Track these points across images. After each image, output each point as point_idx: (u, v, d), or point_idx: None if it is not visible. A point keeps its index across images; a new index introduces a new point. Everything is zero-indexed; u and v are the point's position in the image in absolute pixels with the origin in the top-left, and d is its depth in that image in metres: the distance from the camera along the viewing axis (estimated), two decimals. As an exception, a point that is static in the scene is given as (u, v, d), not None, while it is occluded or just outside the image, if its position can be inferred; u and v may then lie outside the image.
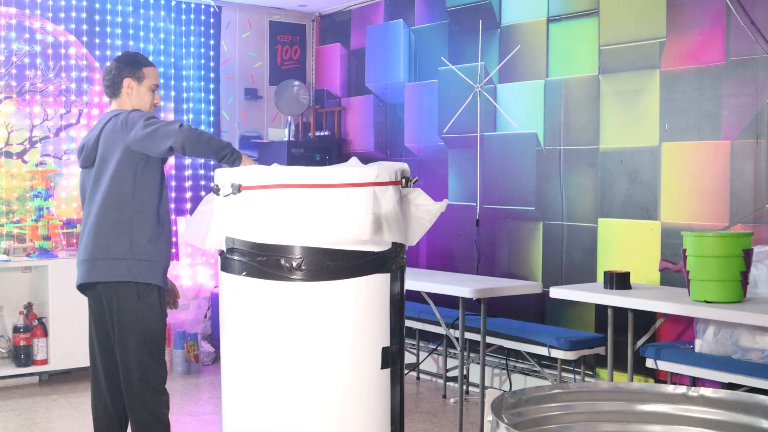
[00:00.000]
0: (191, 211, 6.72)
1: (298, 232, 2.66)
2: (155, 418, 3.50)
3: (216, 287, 6.77)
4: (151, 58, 6.49)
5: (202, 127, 6.77)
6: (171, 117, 6.63)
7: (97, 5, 6.30)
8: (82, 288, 3.52)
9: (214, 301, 6.72)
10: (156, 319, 3.46)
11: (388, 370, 2.76)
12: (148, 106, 3.59)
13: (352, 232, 2.65)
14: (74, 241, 6.16)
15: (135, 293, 3.40)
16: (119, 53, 6.35)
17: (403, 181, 2.86)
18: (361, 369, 2.71)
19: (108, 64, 3.71)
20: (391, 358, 2.76)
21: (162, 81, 6.59)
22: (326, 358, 2.67)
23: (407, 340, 6.18)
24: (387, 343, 2.74)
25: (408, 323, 5.55)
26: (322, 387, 2.68)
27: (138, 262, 3.40)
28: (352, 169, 2.72)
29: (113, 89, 3.56)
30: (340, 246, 2.66)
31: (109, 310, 3.44)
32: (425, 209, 2.91)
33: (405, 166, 2.94)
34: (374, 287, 2.72)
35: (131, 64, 3.59)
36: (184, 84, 6.70)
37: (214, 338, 6.69)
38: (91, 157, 3.48)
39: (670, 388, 2.29)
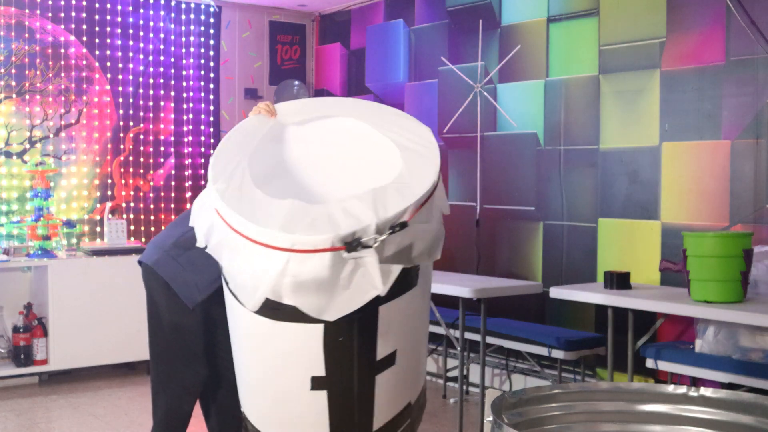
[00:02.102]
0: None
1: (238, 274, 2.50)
2: None
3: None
4: (150, 58, 6.52)
5: (202, 127, 6.78)
6: (171, 117, 6.63)
7: (97, 5, 6.30)
8: None
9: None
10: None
11: (322, 392, 2.54)
12: None
13: (246, 297, 2.43)
14: (74, 241, 6.17)
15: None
16: (119, 54, 6.36)
17: (348, 245, 2.28)
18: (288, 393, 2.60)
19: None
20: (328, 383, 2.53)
21: (162, 81, 6.59)
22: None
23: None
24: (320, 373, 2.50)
25: (408, 323, 5.55)
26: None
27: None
28: (270, 233, 2.31)
29: None
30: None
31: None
32: (370, 282, 2.35)
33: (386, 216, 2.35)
34: (302, 334, 2.45)
35: None
36: (184, 84, 6.70)
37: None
38: None
39: (670, 388, 2.29)
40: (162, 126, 6.61)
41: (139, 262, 3.29)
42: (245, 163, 2.62)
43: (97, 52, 6.31)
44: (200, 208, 2.69)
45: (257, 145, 2.75)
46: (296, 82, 6.88)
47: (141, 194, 6.52)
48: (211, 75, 6.84)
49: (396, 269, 2.40)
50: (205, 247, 2.62)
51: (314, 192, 2.79)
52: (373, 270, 2.33)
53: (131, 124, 6.47)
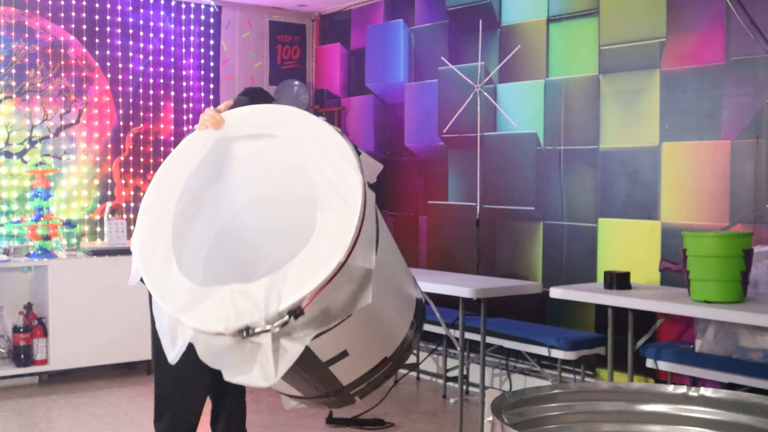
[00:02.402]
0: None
1: None
2: None
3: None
4: (150, 58, 6.52)
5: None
6: (171, 117, 6.63)
7: (97, 5, 6.30)
8: None
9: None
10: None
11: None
12: None
13: (166, 346, 2.48)
14: (74, 241, 6.17)
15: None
16: (119, 54, 6.36)
17: (240, 333, 2.26)
18: None
19: (237, 98, 3.47)
20: None
21: (162, 81, 6.59)
22: None
23: (407, 340, 6.18)
24: None
25: (408, 323, 5.54)
26: None
27: None
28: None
29: None
30: None
31: None
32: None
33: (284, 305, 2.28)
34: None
35: (263, 100, 3.44)
36: (184, 84, 6.70)
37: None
38: None
39: (670, 388, 2.29)
40: (162, 126, 6.61)
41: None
42: (171, 206, 2.65)
43: (97, 52, 6.31)
44: (134, 241, 2.73)
45: (196, 166, 2.73)
46: (296, 82, 6.88)
47: (141, 194, 6.52)
48: (211, 75, 6.84)
49: (293, 354, 2.36)
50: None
51: (237, 228, 2.88)
52: (269, 354, 2.30)
53: (131, 124, 6.47)
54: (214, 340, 2.34)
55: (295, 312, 2.28)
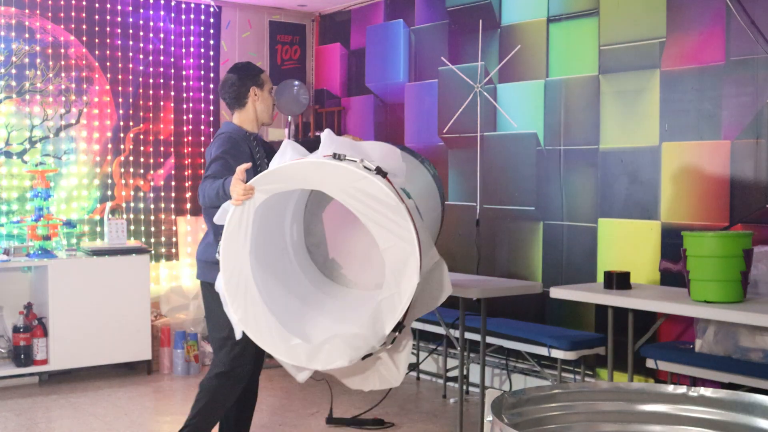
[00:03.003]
0: (191, 212, 6.72)
1: None
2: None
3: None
4: (150, 58, 6.52)
5: (202, 127, 6.78)
6: (171, 117, 6.63)
7: (97, 5, 6.30)
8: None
9: (214, 301, 6.71)
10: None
11: None
12: (271, 109, 3.87)
13: (291, 371, 3.42)
14: (74, 241, 6.17)
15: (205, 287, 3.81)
16: (119, 54, 6.36)
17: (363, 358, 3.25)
18: None
19: (226, 76, 3.87)
20: None
21: (162, 81, 6.60)
22: None
23: (407, 340, 6.18)
24: None
25: (408, 323, 5.54)
26: None
27: (200, 262, 3.82)
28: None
29: (239, 100, 3.80)
30: None
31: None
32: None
33: None
34: None
35: (251, 73, 3.83)
36: (184, 84, 6.70)
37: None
38: None
39: (670, 388, 2.29)
40: (162, 126, 6.61)
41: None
42: (250, 279, 3.24)
43: (97, 52, 6.31)
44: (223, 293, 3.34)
45: (251, 236, 3.26)
46: (296, 82, 6.87)
47: (141, 194, 6.52)
48: (211, 75, 6.84)
49: (406, 354, 3.35)
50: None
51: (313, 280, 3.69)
52: (388, 362, 3.33)
53: (131, 124, 6.47)
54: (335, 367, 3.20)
55: (398, 328, 3.13)
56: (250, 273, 3.22)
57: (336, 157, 3.16)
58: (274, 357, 3.25)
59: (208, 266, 3.69)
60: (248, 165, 3.31)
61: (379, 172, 3.14)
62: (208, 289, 3.69)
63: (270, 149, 3.86)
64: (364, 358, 3.14)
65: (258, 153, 3.82)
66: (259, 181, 3.21)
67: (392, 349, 3.28)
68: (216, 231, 3.59)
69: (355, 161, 3.14)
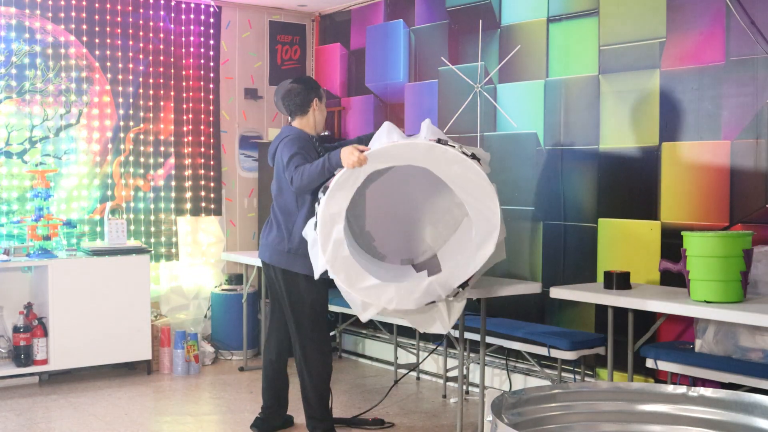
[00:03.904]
0: (191, 212, 6.72)
1: None
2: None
3: (216, 287, 6.77)
4: (150, 58, 6.53)
5: (202, 127, 6.78)
6: (171, 117, 6.63)
7: (97, 5, 6.30)
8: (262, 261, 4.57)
9: (214, 301, 6.71)
10: (307, 295, 4.40)
11: None
12: (324, 120, 4.58)
13: (356, 311, 4.21)
14: (74, 241, 6.18)
15: (290, 277, 4.40)
16: (119, 54, 6.36)
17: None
18: None
19: (291, 86, 4.53)
20: None
21: (162, 81, 6.60)
22: None
23: (407, 340, 6.19)
24: None
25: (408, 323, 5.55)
26: None
27: (289, 254, 4.37)
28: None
29: (303, 108, 4.49)
30: None
31: (278, 284, 4.47)
32: None
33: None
34: None
35: (316, 86, 4.56)
36: (184, 84, 6.70)
37: (213, 338, 6.69)
38: (272, 160, 4.52)
39: (670, 388, 2.30)
40: (162, 126, 6.61)
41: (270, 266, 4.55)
42: (341, 232, 3.96)
43: (97, 52, 6.31)
44: (312, 247, 4.15)
45: (353, 196, 4.01)
46: (296, 82, 6.87)
47: (141, 194, 6.52)
48: (211, 75, 6.84)
49: (460, 307, 4.21)
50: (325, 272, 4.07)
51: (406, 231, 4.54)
52: (443, 311, 4.18)
53: (131, 124, 6.47)
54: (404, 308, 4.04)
55: (463, 285, 4.03)
56: (344, 225, 3.95)
57: (440, 142, 3.88)
58: (349, 294, 3.99)
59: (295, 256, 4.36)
60: (363, 147, 4.00)
61: (474, 157, 3.88)
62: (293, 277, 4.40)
63: (330, 147, 4.49)
64: (427, 304, 4.01)
65: (320, 150, 4.44)
66: (373, 154, 3.93)
67: (453, 301, 4.12)
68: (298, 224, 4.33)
69: (455, 146, 3.87)
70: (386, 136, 4.00)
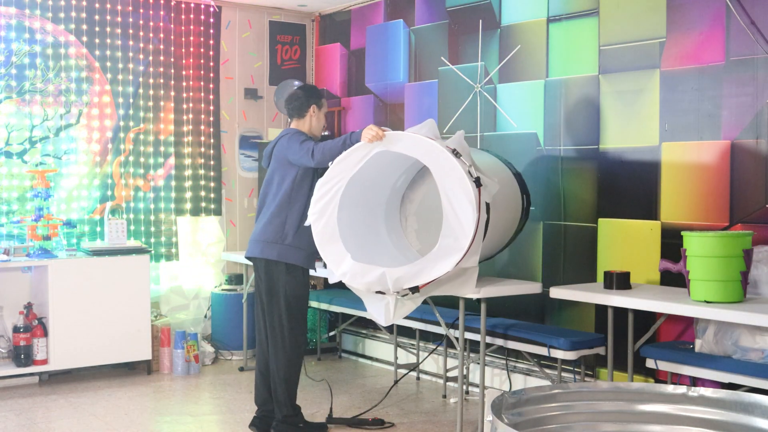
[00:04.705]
0: (191, 212, 6.72)
1: None
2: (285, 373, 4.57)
3: (216, 287, 6.78)
4: (150, 58, 6.53)
5: (202, 127, 6.78)
6: (171, 117, 6.63)
7: (97, 5, 6.30)
8: (250, 259, 4.63)
9: (214, 301, 6.71)
10: (297, 289, 4.51)
11: None
12: (321, 127, 4.75)
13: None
14: (74, 241, 6.18)
15: (283, 270, 4.47)
16: (119, 54, 6.36)
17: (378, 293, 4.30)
18: None
19: (294, 92, 4.78)
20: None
21: (162, 81, 6.60)
22: None
23: (407, 340, 6.19)
24: None
25: (408, 323, 5.55)
26: None
27: (287, 247, 4.46)
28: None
29: (300, 112, 4.68)
30: None
31: (261, 273, 4.56)
32: None
33: None
34: None
35: (316, 94, 4.76)
36: (184, 84, 6.70)
37: (213, 338, 6.69)
38: (267, 160, 4.67)
39: (670, 388, 2.30)
40: (162, 126, 6.61)
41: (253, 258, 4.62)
42: (336, 198, 4.21)
43: (97, 52, 6.31)
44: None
45: (360, 167, 4.24)
46: (296, 82, 6.87)
47: (141, 194, 6.52)
48: (211, 75, 6.84)
49: (409, 307, 4.26)
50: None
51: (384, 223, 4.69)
52: (391, 305, 4.20)
53: (131, 124, 6.47)
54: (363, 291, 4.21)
55: (413, 289, 4.10)
56: (338, 201, 4.20)
57: (454, 152, 4.02)
58: (366, 297, 4.24)
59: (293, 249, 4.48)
60: (385, 128, 4.30)
61: (477, 182, 3.97)
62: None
63: None
64: (377, 292, 4.17)
65: None
66: (390, 135, 4.19)
67: (404, 299, 4.20)
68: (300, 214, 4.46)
69: (465, 164, 4.00)
70: (419, 128, 4.21)
